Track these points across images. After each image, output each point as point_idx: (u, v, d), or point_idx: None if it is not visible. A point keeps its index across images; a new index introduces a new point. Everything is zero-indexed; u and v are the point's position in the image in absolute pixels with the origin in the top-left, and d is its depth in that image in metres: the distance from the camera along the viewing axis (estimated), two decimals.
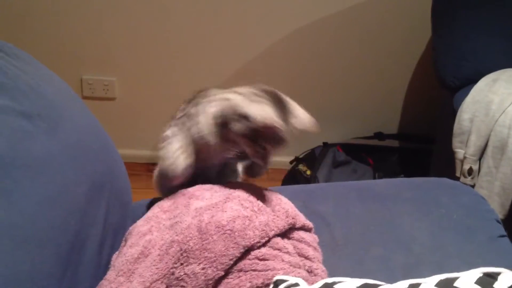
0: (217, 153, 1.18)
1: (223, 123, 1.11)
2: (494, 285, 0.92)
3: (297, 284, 0.95)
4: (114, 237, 1.14)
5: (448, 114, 2.06)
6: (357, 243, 1.27)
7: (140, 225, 1.10)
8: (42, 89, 1.05)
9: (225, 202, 1.09)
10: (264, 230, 1.04)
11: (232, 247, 1.00)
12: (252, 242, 1.02)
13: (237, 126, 1.08)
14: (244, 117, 1.07)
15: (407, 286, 0.96)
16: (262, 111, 1.06)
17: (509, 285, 0.92)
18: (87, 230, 1.03)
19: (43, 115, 0.99)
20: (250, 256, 1.02)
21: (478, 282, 0.92)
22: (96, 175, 1.10)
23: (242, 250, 1.00)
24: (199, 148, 1.16)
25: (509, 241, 1.31)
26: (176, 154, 1.16)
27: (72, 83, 2.41)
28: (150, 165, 2.53)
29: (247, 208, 1.08)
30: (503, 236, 1.31)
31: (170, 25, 2.32)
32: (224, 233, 1.01)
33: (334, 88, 2.57)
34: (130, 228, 1.11)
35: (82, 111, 1.20)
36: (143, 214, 1.17)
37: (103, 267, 1.07)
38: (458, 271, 1.20)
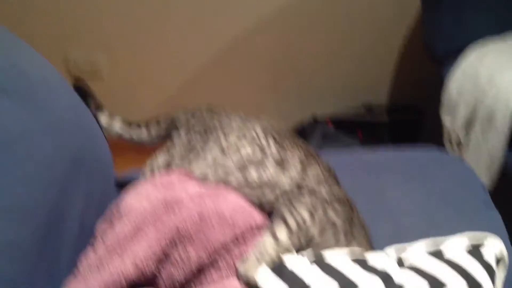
0: None
1: None
2: (482, 252, 0.93)
3: (290, 255, 0.97)
4: (97, 209, 1.12)
5: (437, 85, 2.05)
6: None
7: (130, 200, 1.08)
8: (20, 64, 1.03)
9: (228, 192, 1.09)
10: (262, 225, 1.05)
11: (230, 238, 1.00)
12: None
13: None
14: None
15: (394, 251, 0.97)
16: None
17: (496, 252, 0.93)
18: (68, 203, 1.01)
19: (20, 89, 0.97)
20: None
21: (466, 250, 0.93)
22: (76, 148, 1.08)
23: (235, 240, 1.01)
24: None
25: (496, 212, 1.31)
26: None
27: (57, 62, 2.36)
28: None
29: (248, 201, 1.08)
30: (490, 206, 1.32)
31: (158, 1, 2.28)
32: (224, 222, 1.01)
33: (322, 61, 2.54)
34: (120, 202, 1.09)
35: (61, 85, 1.17)
36: (128, 187, 1.16)
37: (86, 237, 1.06)
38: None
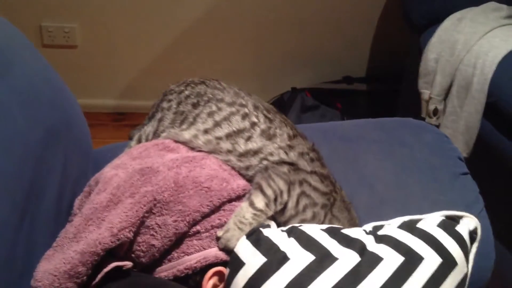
0: None
1: None
2: (456, 228, 0.94)
3: (268, 226, 0.98)
4: (75, 183, 1.12)
5: (414, 55, 2.05)
6: None
7: (107, 172, 1.07)
8: None
9: (203, 158, 1.08)
10: (240, 194, 1.05)
11: (207, 205, 1.00)
12: (226, 199, 1.03)
13: None
14: None
15: (371, 228, 0.98)
16: None
17: (471, 228, 0.95)
18: (44, 177, 1.01)
19: None
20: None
21: (440, 225, 0.94)
22: (50, 122, 1.07)
23: (213, 208, 1.01)
24: None
25: (471, 179, 1.33)
26: None
27: (31, 31, 2.32)
28: (116, 115, 2.50)
29: (225, 170, 1.07)
30: (465, 173, 1.33)
31: None
32: (201, 190, 1.01)
33: (301, 31, 2.53)
34: (96, 174, 1.09)
35: (34, 58, 1.15)
36: (107, 160, 1.15)
37: (64, 214, 1.06)
38: (421, 209, 1.22)
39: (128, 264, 0.94)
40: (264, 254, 0.89)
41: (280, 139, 1.10)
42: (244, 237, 0.94)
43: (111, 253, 0.94)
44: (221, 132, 1.10)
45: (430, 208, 1.22)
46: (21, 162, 0.93)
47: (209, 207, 1.00)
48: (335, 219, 1.07)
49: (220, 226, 1.00)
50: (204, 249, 0.98)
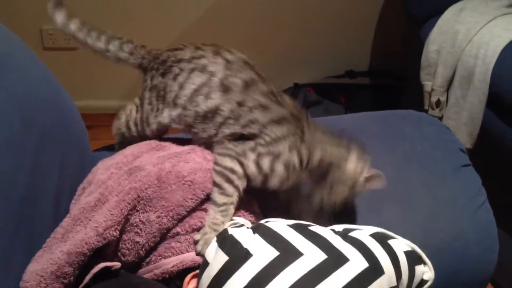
0: None
1: None
2: (416, 266, 0.94)
3: (242, 225, 0.97)
4: (72, 187, 1.11)
5: (416, 47, 2.03)
6: None
7: (100, 174, 1.07)
8: None
9: (189, 153, 1.07)
10: None
11: (191, 198, 0.99)
12: (210, 193, 1.01)
13: None
14: None
15: (341, 229, 0.97)
16: None
17: (425, 278, 0.95)
18: (41, 181, 1.01)
19: None
20: (205, 203, 1.01)
21: (407, 253, 0.94)
22: (47, 125, 1.07)
23: (199, 202, 1.00)
24: None
25: (473, 170, 1.32)
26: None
27: (32, 34, 2.32)
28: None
29: (210, 161, 1.06)
30: (467, 165, 1.32)
31: None
32: (184, 184, 1.00)
33: (303, 27, 2.52)
34: (89, 175, 1.09)
35: (31, 61, 1.15)
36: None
37: (62, 217, 1.05)
38: (422, 202, 1.22)
39: (116, 264, 0.94)
40: (226, 253, 0.87)
41: (235, 91, 1.04)
42: (215, 238, 0.93)
43: (98, 253, 0.94)
44: (185, 95, 1.06)
45: (432, 202, 1.22)
46: (16, 167, 0.93)
47: (193, 200, 0.99)
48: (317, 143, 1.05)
49: (200, 229, 0.99)
50: (182, 253, 0.97)
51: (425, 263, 0.95)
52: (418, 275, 0.94)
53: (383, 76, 2.64)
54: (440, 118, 1.89)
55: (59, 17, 1.22)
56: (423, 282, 0.95)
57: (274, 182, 1.02)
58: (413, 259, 0.94)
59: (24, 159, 0.96)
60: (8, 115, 0.95)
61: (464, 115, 1.82)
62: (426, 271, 0.95)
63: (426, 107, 1.94)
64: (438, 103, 1.89)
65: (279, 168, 1.01)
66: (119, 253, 0.98)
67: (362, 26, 2.57)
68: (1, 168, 0.89)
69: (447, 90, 1.89)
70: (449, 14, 1.93)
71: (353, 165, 1.05)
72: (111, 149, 1.27)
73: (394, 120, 1.45)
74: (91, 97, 2.44)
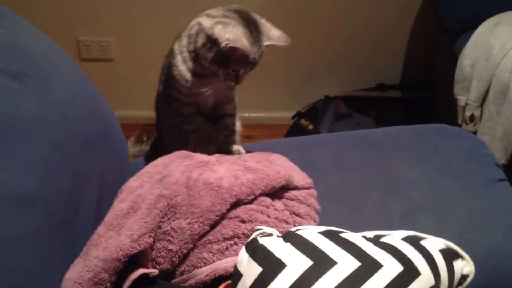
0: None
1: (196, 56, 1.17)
2: (454, 262, 0.93)
3: (270, 234, 0.96)
4: (112, 195, 1.13)
5: (449, 60, 2.03)
6: (354, 191, 1.27)
7: (132, 181, 1.10)
8: (30, 48, 1.03)
9: (214, 164, 1.11)
10: (251, 187, 1.05)
11: (219, 203, 1.01)
12: (239, 198, 1.03)
13: (208, 55, 1.14)
14: (213, 40, 1.11)
15: (372, 235, 0.96)
16: (230, 34, 1.10)
17: (464, 272, 0.94)
18: (82, 189, 1.03)
19: (31, 74, 0.98)
20: (235, 210, 1.03)
21: (442, 251, 0.93)
22: (88, 134, 1.10)
23: (228, 206, 1.01)
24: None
25: (508, 185, 1.31)
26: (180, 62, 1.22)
27: (69, 45, 2.39)
28: (150, 126, 2.53)
29: (235, 169, 1.09)
30: (502, 180, 1.31)
31: None
32: (212, 189, 1.02)
33: (334, 40, 2.53)
34: (123, 185, 1.11)
35: (72, 71, 1.18)
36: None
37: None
38: (456, 215, 1.21)
39: (154, 271, 0.95)
40: (259, 263, 0.86)
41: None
42: (243, 248, 0.92)
43: (135, 263, 0.96)
44: None
45: (466, 215, 1.21)
46: (59, 173, 0.95)
47: (221, 205, 1.00)
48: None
49: (233, 238, 1.00)
50: (214, 262, 0.98)
51: (462, 258, 0.94)
52: (458, 271, 0.92)
53: (414, 89, 2.63)
54: (474, 133, 1.87)
55: None
56: (464, 276, 0.94)
57: None
58: (450, 255, 0.93)
59: (66, 167, 0.98)
60: (53, 124, 0.97)
61: (498, 130, 1.80)
62: (465, 266, 0.94)
63: (459, 121, 1.93)
64: (472, 118, 1.88)
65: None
66: (154, 262, 0.99)
67: (393, 39, 2.57)
68: (44, 175, 0.91)
69: (481, 105, 1.87)
70: (483, 28, 1.91)
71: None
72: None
73: (427, 134, 1.45)
74: (125, 107, 2.48)
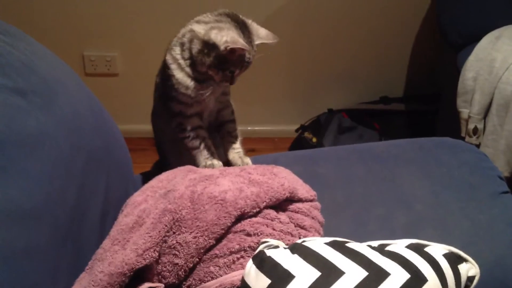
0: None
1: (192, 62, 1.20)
2: (459, 266, 0.93)
3: (277, 246, 0.96)
4: (117, 209, 1.14)
5: (452, 73, 2.04)
6: (358, 204, 1.27)
7: (136, 195, 1.11)
8: (35, 65, 1.04)
9: (218, 177, 1.11)
10: (255, 200, 1.05)
11: (224, 216, 1.01)
12: (243, 211, 1.03)
13: (207, 60, 1.17)
14: (211, 45, 1.14)
15: (377, 245, 0.97)
16: (227, 36, 1.13)
17: (469, 274, 0.94)
18: (87, 202, 1.04)
19: (36, 91, 0.99)
20: (241, 223, 1.03)
21: (446, 256, 0.93)
22: (93, 148, 1.11)
23: (233, 220, 1.01)
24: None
25: (511, 197, 1.31)
26: (177, 71, 1.24)
27: (74, 60, 2.41)
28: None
29: (239, 182, 1.09)
30: (506, 192, 1.31)
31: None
32: (216, 203, 1.02)
33: (337, 53, 2.54)
34: (128, 200, 1.12)
35: (78, 86, 1.20)
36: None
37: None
38: (459, 228, 1.22)
39: (160, 285, 0.95)
40: (267, 275, 0.87)
41: None
42: (250, 260, 0.93)
43: (141, 278, 0.96)
44: None
45: (469, 227, 1.21)
46: (64, 188, 0.96)
47: (226, 218, 1.00)
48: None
49: (239, 251, 1.00)
50: (221, 275, 0.99)
51: (466, 261, 0.95)
52: (463, 274, 0.93)
53: (417, 102, 2.64)
54: (478, 146, 1.88)
55: None
56: (470, 278, 0.94)
57: None
58: (454, 259, 0.93)
59: (71, 182, 0.99)
60: (58, 139, 0.98)
61: (502, 143, 1.80)
62: (470, 268, 0.94)
63: (463, 134, 1.93)
64: (475, 130, 1.88)
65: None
66: (160, 276, 1.00)
67: (396, 52, 2.59)
68: (50, 189, 0.92)
69: (484, 117, 1.88)
70: (485, 41, 1.93)
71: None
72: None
73: (430, 147, 1.45)
74: (130, 121, 2.50)
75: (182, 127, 1.30)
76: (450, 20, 2.09)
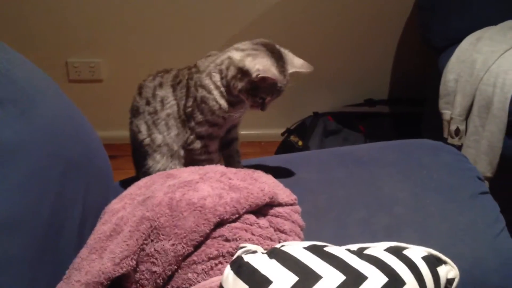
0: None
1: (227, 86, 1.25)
2: (437, 268, 0.94)
3: (255, 251, 0.96)
4: (96, 217, 1.13)
5: (434, 75, 2.05)
6: (339, 208, 1.27)
7: (114, 203, 1.10)
8: (12, 73, 1.04)
9: (197, 182, 1.10)
10: (235, 206, 1.04)
11: (203, 223, 1.00)
12: (223, 218, 1.02)
13: (239, 85, 1.21)
14: (245, 71, 1.19)
15: (356, 248, 0.97)
16: (260, 65, 1.17)
17: (449, 277, 0.95)
18: (64, 212, 1.03)
19: (13, 100, 0.98)
20: (219, 229, 1.02)
21: (424, 258, 0.94)
22: (71, 157, 1.10)
23: (212, 227, 1.01)
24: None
25: (491, 198, 1.32)
26: (219, 97, 1.28)
27: (58, 67, 2.40)
28: None
29: (216, 188, 1.09)
30: (485, 193, 1.32)
31: (156, 2, 2.30)
32: (195, 210, 1.01)
33: (322, 56, 2.54)
34: (106, 207, 1.12)
35: (56, 94, 1.19)
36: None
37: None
38: (439, 229, 1.22)
39: None
40: (245, 281, 0.87)
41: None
42: (228, 266, 0.92)
43: (119, 286, 0.96)
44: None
45: (449, 229, 1.22)
46: (41, 198, 0.96)
47: (205, 225, 1.00)
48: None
49: (217, 257, 0.99)
50: (199, 282, 0.98)
51: (445, 263, 0.95)
52: (443, 276, 0.94)
53: (402, 104, 2.65)
54: (460, 147, 1.90)
55: None
56: (449, 281, 0.95)
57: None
58: (433, 262, 0.94)
59: (48, 191, 0.99)
60: (35, 148, 0.98)
61: (483, 143, 1.82)
62: (449, 270, 0.95)
63: (445, 135, 1.95)
64: (457, 131, 1.90)
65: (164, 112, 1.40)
66: (138, 284, 0.99)
67: (381, 54, 2.60)
68: (26, 200, 0.91)
69: (466, 118, 1.89)
70: (466, 43, 1.94)
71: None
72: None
73: (410, 149, 1.47)
74: (115, 128, 2.49)
75: (209, 149, 1.33)
76: (431, 23, 2.11)
